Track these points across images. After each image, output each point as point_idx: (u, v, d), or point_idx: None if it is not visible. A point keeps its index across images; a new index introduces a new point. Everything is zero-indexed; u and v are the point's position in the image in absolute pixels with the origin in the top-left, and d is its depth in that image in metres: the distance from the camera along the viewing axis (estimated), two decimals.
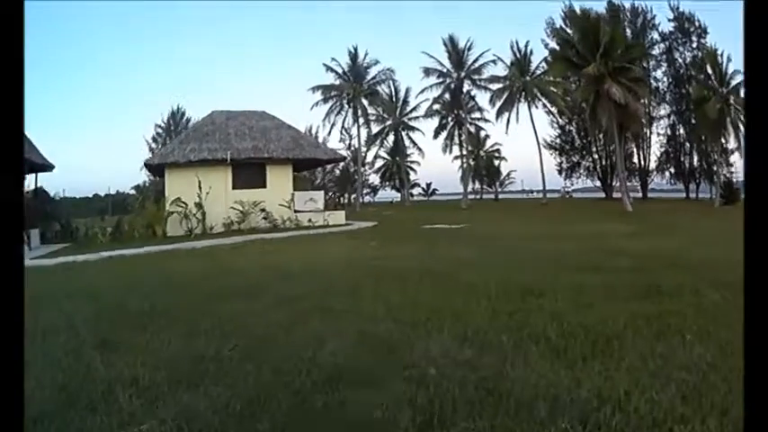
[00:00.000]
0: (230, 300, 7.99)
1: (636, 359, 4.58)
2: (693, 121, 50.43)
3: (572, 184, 68.97)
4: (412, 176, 76.88)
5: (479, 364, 4.60)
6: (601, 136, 54.76)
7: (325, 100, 57.95)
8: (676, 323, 5.70)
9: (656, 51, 55.77)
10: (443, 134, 62.41)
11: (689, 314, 6.12)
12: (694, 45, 53.57)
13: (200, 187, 25.26)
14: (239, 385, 4.33)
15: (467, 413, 3.66)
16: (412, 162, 72.80)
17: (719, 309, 6.33)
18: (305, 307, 7.26)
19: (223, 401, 4.02)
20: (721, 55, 43.44)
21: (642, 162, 60.05)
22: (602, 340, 5.10)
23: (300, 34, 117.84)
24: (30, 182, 25.36)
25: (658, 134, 59.30)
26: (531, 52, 54.80)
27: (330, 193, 47.51)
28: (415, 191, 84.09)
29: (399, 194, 77.57)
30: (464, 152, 60.83)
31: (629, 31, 52.19)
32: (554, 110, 58.57)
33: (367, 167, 73.49)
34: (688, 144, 57.10)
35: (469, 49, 54.01)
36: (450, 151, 63.92)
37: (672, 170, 59.02)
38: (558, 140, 64.41)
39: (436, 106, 59.53)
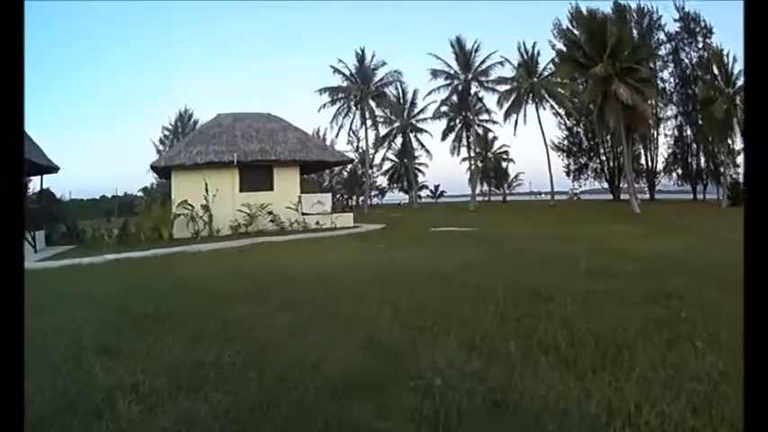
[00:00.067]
0: (235, 304, 7.93)
1: (647, 368, 4.50)
2: (700, 121, 50.24)
3: (580, 186, 68.99)
4: (420, 178, 76.93)
5: (487, 374, 4.51)
6: (608, 137, 54.59)
7: (332, 102, 57.99)
8: (687, 330, 5.61)
9: (662, 52, 55.61)
10: (451, 136, 62.45)
11: (699, 320, 6.03)
12: (700, 45, 53.51)
13: (206, 189, 25.23)
14: (241, 392, 4.27)
15: (473, 426, 3.61)
16: (420, 164, 72.91)
17: (730, 314, 6.20)
18: (311, 311, 7.21)
19: (223, 408, 3.98)
20: (727, 55, 43.37)
21: (650, 163, 59.97)
22: (613, 349, 5.00)
23: (306, 35, 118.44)
24: (35, 183, 25.46)
25: (665, 135, 59.20)
26: (539, 53, 54.72)
27: (338, 196, 47.44)
28: (424, 193, 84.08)
29: (407, 196, 77.56)
30: (472, 154, 60.82)
31: (635, 32, 52.07)
32: (561, 111, 58.47)
33: (375, 169, 73.54)
34: (695, 145, 56.92)
35: (477, 50, 53.95)
36: (459, 153, 63.97)
37: (679, 171, 58.88)
38: (565, 142, 64.35)
39: (444, 108, 59.46)
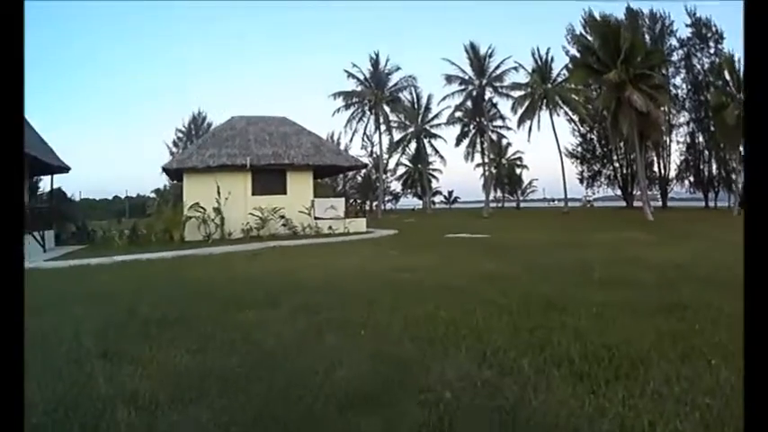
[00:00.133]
0: (244, 309, 7.86)
1: (661, 383, 4.41)
2: (712, 128, 49.89)
3: (593, 193, 68.88)
4: (434, 184, 77.01)
5: (498, 388, 4.42)
6: (621, 144, 54.38)
7: (346, 106, 58.26)
8: (701, 343, 5.52)
9: (674, 58, 55.39)
10: (465, 142, 62.60)
11: (713, 332, 5.93)
12: (712, 51, 53.24)
13: (218, 192, 25.33)
14: (245, 405, 4.20)
15: None
16: (434, 169, 72.97)
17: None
18: (320, 319, 7.13)
19: (225, 420, 3.92)
20: (738, 60, 42.89)
21: (662, 170, 59.74)
22: (627, 363, 4.91)
23: (318, 35, 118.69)
24: (46, 183, 25.60)
25: (678, 142, 59.06)
26: (552, 59, 54.64)
27: (351, 200, 47.49)
28: (437, 198, 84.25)
29: (421, 202, 77.61)
30: (486, 160, 60.71)
31: (647, 38, 51.96)
32: (575, 118, 58.27)
33: (389, 174, 73.78)
34: (707, 152, 56.69)
35: (491, 55, 53.96)
36: (472, 159, 64.13)
37: (691, 179, 58.63)
38: (579, 149, 64.21)
39: (458, 113, 59.51)
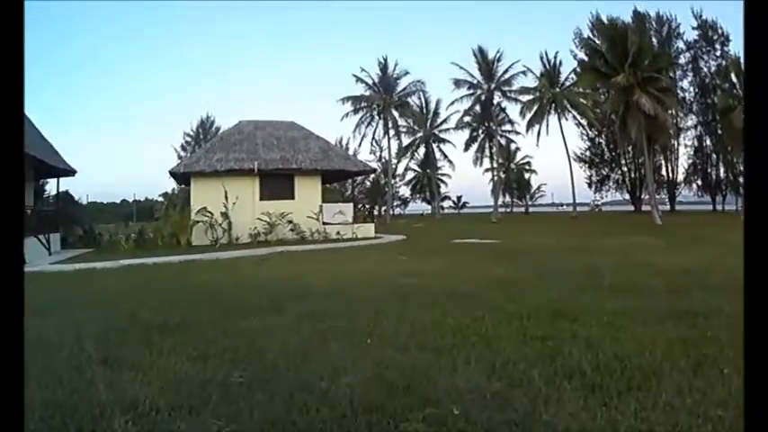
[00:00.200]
0: (249, 316, 7.76)
1: (673, 395, 4.32)
2: (720, 131, 49.79)
3: (601, 198, 68.91)
4: (442, 189, 77.09)
5: (507, 402, 4.28)
6: (630, 148, 54.27)
7: (355, 111, 58.38)
8: (713, 352, 5.42)
9: (681, 60, 55.36)
10: (474, 146, 62.65)
11: (725, 340, 5.82)
12: (718, 53, 53.23)
13: (226, 197, 25.35)
14: (245, 417, 4.09)
15: None
16: (443, 174, 73.05)
17: None
18: (326, 327, 7.01)
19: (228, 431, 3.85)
20: None
21: (670, 174, 59.72)
22: (639, 374, 4.81)
23: (326, 38, 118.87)
24: (52, 186, 25.66)
25: (685, 146, 59.21)
26: (561, 63, 54.65)
27: (360, 205, 47.46)
28: (446, 203, 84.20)
29: (430, 207, 77.70)
30: (495, 165, 60.76)
31: (654, 41, 51.94)
32: (584, 122, 58.23)
33: (397, 179, 73.87)
34: (714, 155, 56.65)
35: (499, 59, 54.03)
36: (481, 164, 64.22)
37: (699, 182, 58.63)
38: (587, 153, 64.23)
39: (467, 118, 59.53)
